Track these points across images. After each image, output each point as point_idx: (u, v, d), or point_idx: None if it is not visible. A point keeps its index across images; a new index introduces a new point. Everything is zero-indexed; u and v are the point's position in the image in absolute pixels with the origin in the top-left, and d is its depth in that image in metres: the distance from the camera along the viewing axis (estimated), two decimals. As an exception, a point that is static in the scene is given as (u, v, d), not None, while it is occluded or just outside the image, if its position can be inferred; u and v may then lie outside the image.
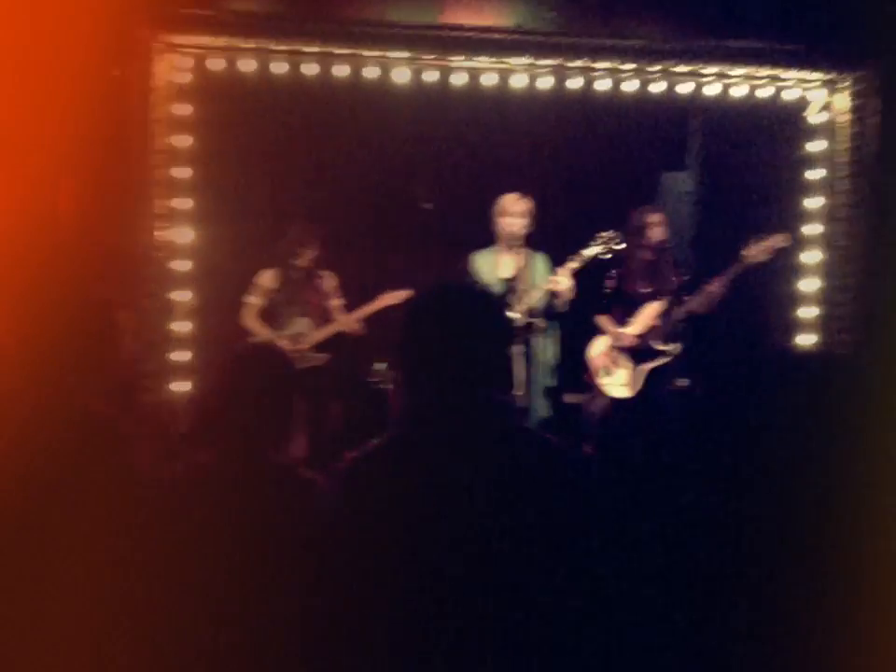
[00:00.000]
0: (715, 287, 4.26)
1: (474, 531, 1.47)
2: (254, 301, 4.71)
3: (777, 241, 4.28)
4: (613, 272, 4.51)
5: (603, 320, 4.53)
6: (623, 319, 4.51)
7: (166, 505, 1.92)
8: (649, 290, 4.46)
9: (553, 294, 4.10)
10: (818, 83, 4.59)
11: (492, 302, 1.65)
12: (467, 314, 1.55)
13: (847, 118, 4.54)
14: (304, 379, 4.30)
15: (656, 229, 4.41)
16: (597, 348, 4.55)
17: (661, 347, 4.37)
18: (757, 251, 4.27)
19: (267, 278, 4.73)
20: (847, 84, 4.52)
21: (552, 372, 4.18)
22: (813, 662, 1.48)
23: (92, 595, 1.92)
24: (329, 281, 4.86)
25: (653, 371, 4.43)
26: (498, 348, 1.58)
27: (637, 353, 4.45)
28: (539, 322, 4.11)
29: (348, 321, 4.72)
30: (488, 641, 1.48)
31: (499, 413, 1.57)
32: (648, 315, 4.45)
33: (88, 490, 2.00)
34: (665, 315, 4.34)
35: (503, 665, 1.47)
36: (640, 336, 4.44)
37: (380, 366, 5.38)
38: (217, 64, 4.39)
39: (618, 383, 4.47)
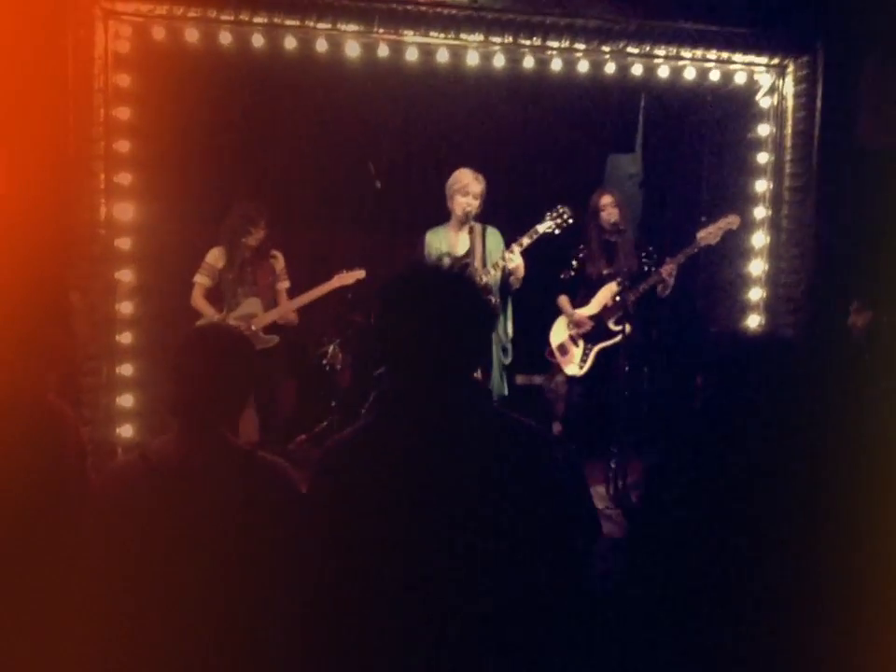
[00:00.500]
0: (669, 268, 4.31)
1: (456, 515, 1.44)
2: (202, 280, 4.58)
3: (729, 223, 4.36)
4: (576, 252, 4.54)
5: (562, 300, 4.58)
6: (582, 300, 4.56)
7: (122, 491, 1.83)
8: (607, 271, 4.50)
9: (508, 272, 4.09)
10: (765, 67, 4.65)
11: (472, 285, 1.60)
12: (447, 297, 1.50)
13: (792, 101, 4.61)
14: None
15: (611, 210, 4.44)
16: (557, 328, 4.60)
17: (614, 327, 4.42)
18: (709, 233, 4.34)
19: (216, 257, 4.60)
20: (793, 68, 4.59)
21: (507, 351, 4.18)
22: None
23: (47, 586, 1.85)
24: (278, 261, 4.76)
25: (605, 350, 4.48)
26: (481, 332, 1.53)
27: (592, 332, 4.49)
28: (495, 299, 4.09)
29: (293, 306, 4.62)
30: (469, 628, 1.45)
31: (478, 397, 1.53)
32: (604, 295, 4.49)
33: (42, 477, 1.92)
34: (619, 295, 4.38)
35: (489, 653, 1.44)
36: (595, 316, 4.49)
37: (329, 346, 5.30)
38: (158, 33, 4.21)
39: (573, 361, 4.52)
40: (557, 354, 4.58)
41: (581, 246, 4.58)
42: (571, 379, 4.57)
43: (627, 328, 4.27)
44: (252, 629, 1.68)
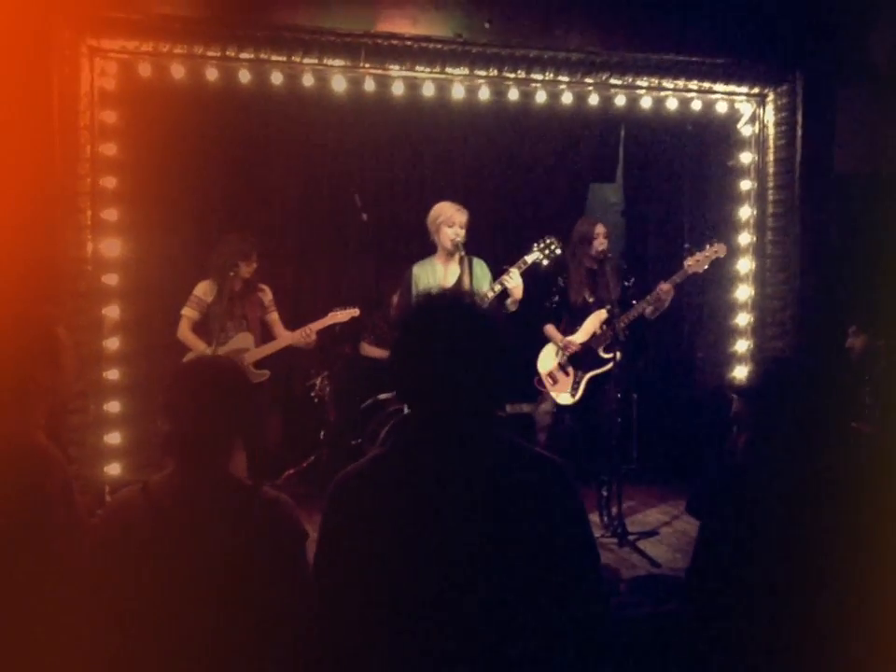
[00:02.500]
0: (667, 287, 4.32)
1: (473, 547, 1.41)
2: (190, 313, 4.53)
3: (715, 251, 4.39)
4: (559, 281, 4.55)
5: (550, 329, 4.56)
6: (569, 328, 4.55)
7: (123, 525, 1.76)
8: (593, 300, 4.51)
9: (502, 296, 4.10)
10: (745, 96, 4.73)
11: (493, 315, 1.57)
12: (468, 327, 1.48)
13: (773, 130, 4.69)
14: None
15: (602, 239, 4.46)
16: (545, 356, 4.59)
17: (604, 355, 4.42)
18: (697, 261, 4.37)
19: (205, 290, 4.55)
20: (773, 97, 4.67)
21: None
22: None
23: (37, 628, 1.80)
24: (266, 294, 4.73)
25: (596, 378, 4.47)
26: (501, 363, 1.50)
27: (582, 360, 4.48)
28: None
29: (296, 337, 4.59)
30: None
31: (495, 427, 1.51)
32: (592, 323, 4.49)
33: (28, 519, 1.87)
34: (608, 323, 4.39)
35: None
36: (585, 344, 4.48)
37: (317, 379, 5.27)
38: (145, 70, 4.22)
39: (564, 389, 4.50)
40: (547, 382, 4.56)
41: (565, 274, 4.57)
42: (561, 407, 4.55)
43: (618, 355, 4.27)
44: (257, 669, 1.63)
